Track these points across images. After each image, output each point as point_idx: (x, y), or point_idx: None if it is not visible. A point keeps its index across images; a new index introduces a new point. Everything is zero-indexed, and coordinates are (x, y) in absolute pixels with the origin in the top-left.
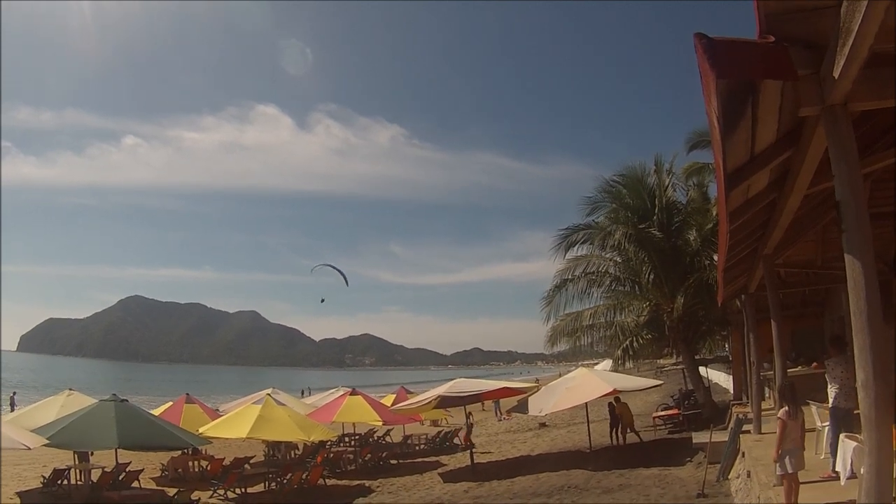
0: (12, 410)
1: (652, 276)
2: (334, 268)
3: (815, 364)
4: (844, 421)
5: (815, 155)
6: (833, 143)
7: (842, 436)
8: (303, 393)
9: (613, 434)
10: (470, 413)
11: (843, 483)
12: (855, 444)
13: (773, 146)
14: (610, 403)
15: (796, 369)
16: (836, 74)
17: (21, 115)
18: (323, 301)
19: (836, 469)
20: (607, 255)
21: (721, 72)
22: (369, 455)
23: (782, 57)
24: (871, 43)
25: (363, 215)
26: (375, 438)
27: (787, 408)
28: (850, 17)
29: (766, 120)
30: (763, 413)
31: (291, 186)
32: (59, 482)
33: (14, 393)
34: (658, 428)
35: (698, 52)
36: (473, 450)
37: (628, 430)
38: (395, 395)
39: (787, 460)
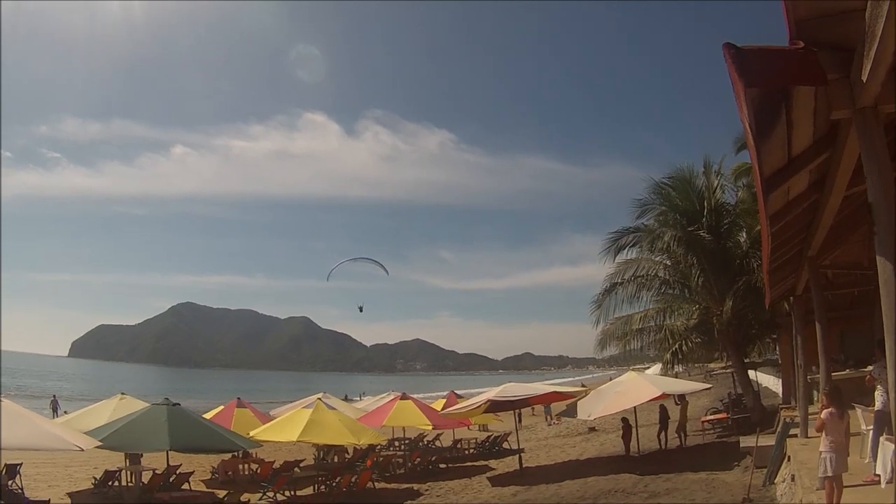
0: (55, 415)
1: (701, 279)
2: (368, 259)
3: (868, 378)
4: (890, 425)
5: (850, 157)
6: (864, 146)
7: (882, 438)
8: (346, 397)
9: (662, 436)
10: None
11: (883, 486)
12: (895, 446)
13: (810, 149)
14: (661, 406)
15: (844, 372)
16: (864, 78)
17: (69, 126)
18: (361, 309)
19: (877, 472)
20: (657, 259)
21: (749, 81)
22: (419, 459)
23: (811, 62)
24: (895, 47)
25: (412, 221)
26: (425, 443)
27: (832, 409)
28: (873, 21)
29: (800, 124)
30: (810, 416)
31: (341, 193)
32: (110, 483)
33: (55, 396)
34: (707, 432)
35: (727, 62)
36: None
37: (682, 432)
38: (445, 400)
39: (828, 462)
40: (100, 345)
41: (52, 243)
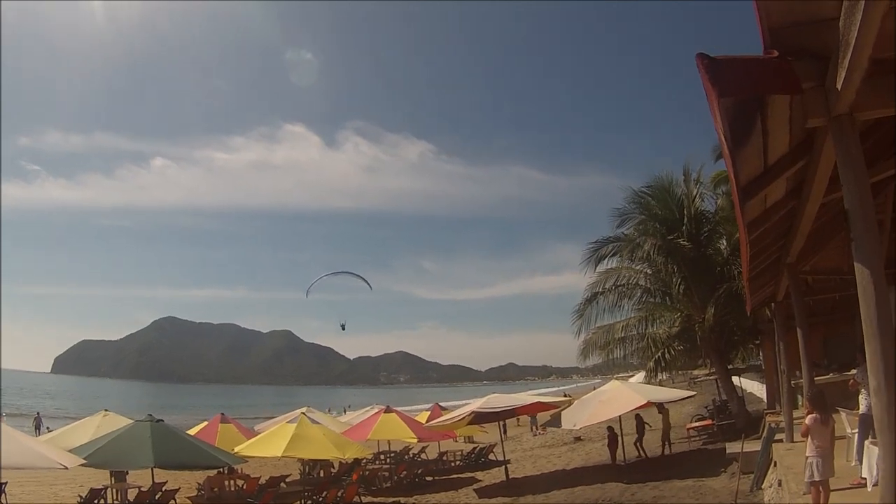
0: (38, 432)
1: (682, 287)
2: (350, 273)
3: (851, 382)
4: (874, 428)
5: (826, 164)
6: (840, 153)
7: (867, 441)
8: (329, 410)
9: (639, 446)
10: None
11: (869, 489)
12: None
13: (787, 157)
14: (637, 415)
15: (827, 376)
16: (839, 86)
17: (50, 138)
18: (344, 327)
19: (864, 475)
20: (637, 267)
21: (722, 90)
22: (405, 472)
23: (785, 71)
24: (869, 53)
25: (394, 231)
26: (411, 455)
27: (816, 414)
28: (847, 29)
29: (776, 132)
30: (795, 421)
31: (322, 204)
32: (95, 501)
33: (38, 414)
34: (692, 439)
35: (701, 72)
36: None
37: (666, 441)
38: (429, 412)
39: (815, 467)
40: (82, 360)
41: (33, 256)
